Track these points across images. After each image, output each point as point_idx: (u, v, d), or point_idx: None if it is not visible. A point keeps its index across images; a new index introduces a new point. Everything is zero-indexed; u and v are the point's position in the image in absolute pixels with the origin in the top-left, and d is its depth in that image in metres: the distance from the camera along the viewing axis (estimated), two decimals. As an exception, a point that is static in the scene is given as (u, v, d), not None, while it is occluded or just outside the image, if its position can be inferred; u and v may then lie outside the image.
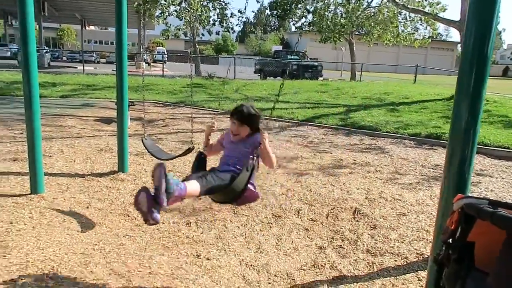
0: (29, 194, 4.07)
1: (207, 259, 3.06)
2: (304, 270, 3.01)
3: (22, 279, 2.57)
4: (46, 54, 29.10)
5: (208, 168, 2.69)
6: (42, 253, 2.94)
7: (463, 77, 2.12)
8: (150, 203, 2.01)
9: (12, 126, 7.51)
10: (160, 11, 21.05)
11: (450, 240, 1.40)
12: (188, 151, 3.98)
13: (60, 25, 54.75)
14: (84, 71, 22.46)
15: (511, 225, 1.06)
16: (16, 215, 3.56)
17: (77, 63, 33.21)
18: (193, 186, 2.23)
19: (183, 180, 2.26)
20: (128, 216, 3.82)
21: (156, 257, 3.00)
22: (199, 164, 2.72)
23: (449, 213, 1.46)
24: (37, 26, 26.90)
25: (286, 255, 3.22)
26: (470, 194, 2.14)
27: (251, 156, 2.49)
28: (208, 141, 2.83)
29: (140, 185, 4.58)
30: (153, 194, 2.04)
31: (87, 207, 3.92)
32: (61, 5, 27.79)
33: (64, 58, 41.99)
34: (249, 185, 2.47)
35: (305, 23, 26.80)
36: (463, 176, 2.09)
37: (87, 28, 42.70)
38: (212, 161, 2.85)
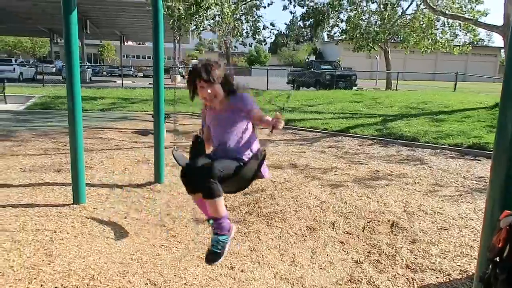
0: (72, 204, 4.24)
1: (241, 271, 3.05)
2: (340, 284, 2.93)
3: (65, 287, 2.66)
4: (88, 69, 30.53)
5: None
6: (83, 261, 3.04)
7: (509, 83, 2.02)
8: None
9: (56, 138, 7.89)
10: (194, 26, 21.63)
11: (497, 259, 1.33)
12: None
13: (101, 41, 57.40)
14: (122, 85, 23.35)
15: None
16: (60, 224, 3.72)
17: (116, 77, 34.60)
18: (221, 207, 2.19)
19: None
20: (164, 226, 3.89)
21: (191, 268, 3.02)
22: (198, 149, 2.41)
23: (496, 230, 1.39)
24: (80, 43, 28.34)
25: (321, 268, 3.16)
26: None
27: (247, 124, 2.28)
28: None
29: (176, 196, 4.69)
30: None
31: (125, 217, 4.03)
32: (102, 22, 29.18)
33: (104, 73, 43.85)
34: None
35: (337, 32, 26.65)
36: (510, 190, 1.98)
37: (125, 43, 44.52)
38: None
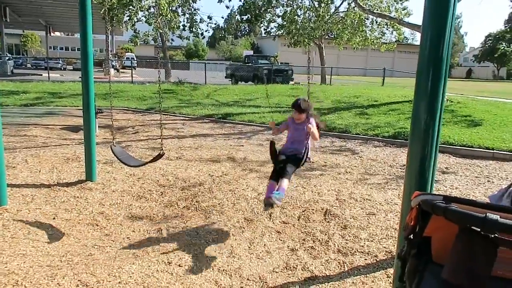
0: (-9, 207, 3.91)
1: (179, 265, 3.02)
2: (276, 272, 3.03)
3: (-17, 296, 2.46)
4: (9, 61, 28.08)
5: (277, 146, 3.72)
6: (6, 267, 2.83)
7: (421, 79, 2.21)
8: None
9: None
10: (128, 17, 20.72)
11: (411, 236, 1.45)
12: (159, 157, 3.94)
13: (24, 31, 52.92)
14: (49, 78, 21.78)
15: (462, 220, 1.11)
16: (-23, 229, 3.41)
17: (42, 70, 32.17)
18: (286, 185, 3.42)
19: (273, 179, 3.54)
20: (97, 225, 3.73)
21: (126, 266, 2.94)
22: (274, 150, 3.65)
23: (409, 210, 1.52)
24: (-1, 32, 25.92)
25: (259, 258, 3.23)
26: (433, 192, 2.23)
27: (308, 136, 3.58)
28: (275, 129, 3.95)
29: (109, 194, 4.51)
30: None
31: (54, 218, 3.81)
32: (24, 10, 26.87)
33: (29, 65, 40.58)
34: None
35: (274, 28, 27.06)
36: (424, 175, 2.17)
37: (52, 34, 41.46)
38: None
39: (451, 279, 1.14)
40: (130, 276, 2.81)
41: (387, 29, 24.75)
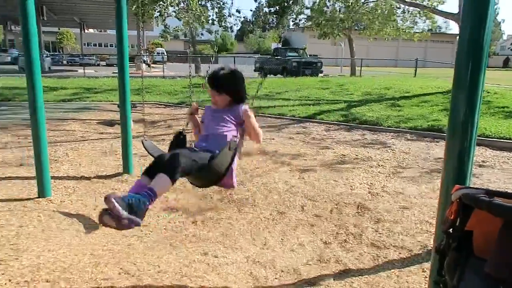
0: (37, 197, 4.14)
1: (214, 256, 3.11)
2: (309, 265, 3.06)
3: (34, 281, 2.63)
4: (47, 58, 29.22)
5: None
6: (53, 255, 3.00)
7: (460, 69, 2.16)
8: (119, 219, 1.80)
9: (15, 131, 7.58)
10: (158, 13, 21.09)
11: (450, 230, 1.45)
12: None
13: (59, 29, 54.88)
14: (84, 74, 22.54)
15: (506, 213, 1.11)
16: (25, 218, 3.63)
17: (77, 66, 33.30)
18: (161, 183, 1.99)
19: (154, 165, 2.12)
20: (135, 216, 3.88)
21: (164, 256, 3.05)
22: (179, 143, 2.52)
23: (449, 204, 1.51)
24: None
25: (292, 250, 3.27)
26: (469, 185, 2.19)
27: (235, 130, 2.39)
28: (195, 121, 2.68)
29: (146, 186, 4.65)
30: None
31: (94, 209, 3.98)
32: (60, 8, 27.87)
33: (64, 62, 42.10)
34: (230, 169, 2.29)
35: (303, 19, 26.81)
36: (462, 168, 2.13)
37: (86, 31, 42.80)
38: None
39: (494, 273, 1.13)
40: (169, 265, 2.93)
41: (419, 18, 23.99)
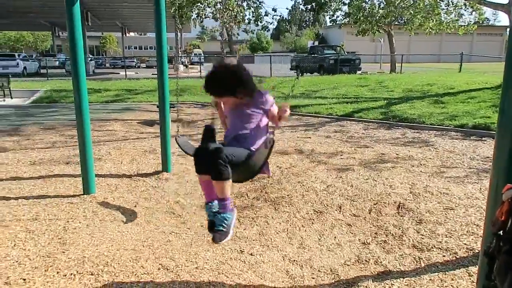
0: (82, 194, 4.33)
1: (251, 254, 3.12)
2: (348, 265, 2.99)
3: (80, 273, 2.74)
4: (91, 62, 30.57)
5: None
6: (97, 249, 3.12)
7: (511, 63, 2.03)
8: None
9: (63, 131, 7.98)
10: (196, 14, 21.47)
11: (501, 232, 1.36)
12: None
13: (102, 33, 57.25)
14: (126, 76, 23.38)
15: None
16: (72, 214, 3.81)
17: (119, 69, 34.62)
18: (225, 189, 2.18)
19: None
20: (173, 214, 3.96)
21: (201, 253, 3.09)
22: (210, 136, 2.28)
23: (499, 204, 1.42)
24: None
25: (329, 250, 3.22)
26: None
27: (263, 119, 2.32)
28: (221, 110, 2.56)
29: (184, 184, 4.75)
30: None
31: (135, 206, 4.11)
32: (103, 14, 29.06)
33: (107, 65, 43.87)
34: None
35: (340, 16, 26.33)
36: (513, 168, 2.00)
37: (127, 34, 44.36)
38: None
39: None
40: (206, 262, 2.96)
41: (465, 10, 22.83)
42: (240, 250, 3.18)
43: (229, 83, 2.23)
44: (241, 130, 2.35)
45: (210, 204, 2.31)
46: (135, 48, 67.28)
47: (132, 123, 9.22)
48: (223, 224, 2.20)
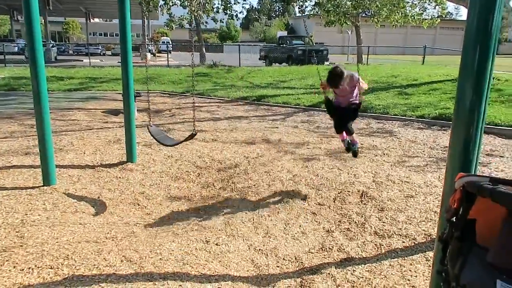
0: (42, 186, 4.16)
1: (216, 244, 3.11)
2: (312, 253, 3.05)
3: (38, 267, 2.65)
4: (53, 48, 29.26)
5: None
6: (57, 242, 3.02)
7: (467, 55, 2.10)
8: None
9: (22, 121, 7.62)
10: (163, 1, 20.94)
11: (454, 219, 1.42)
12: (191, 136, 4.02)
13: (65, 19, 54.81)
14: (90, 64, 22.56)
15: (510, 201, 1.07)
16: (30, 206, 3.66)
17: (83, 56, 33.33)
18: (356, 138, 4.44)
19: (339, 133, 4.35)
20: (138, 205, 3.89)
21: (166, 244, 3.06)
22: (331, 105, 4.20)
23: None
24: (43, 20, 26.98)
25: (294, 239, 3.26)
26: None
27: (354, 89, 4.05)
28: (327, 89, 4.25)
29: (149, 175, 4.67)
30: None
31: (98, 197, 4.00)
32: (65, -2, 27.80)
33: (71, 52, 42.15)
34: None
35: (309, 6, 26.43)
36: (468, 157, 2.09)
37: (91, 20, 42.72)
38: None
39: (497, 263, 1.10)
40: (171, 253, 2.93)
41: (429, 4, 23.51)
42: (206, 240, 3.16)
43: (338, 80, 3.89)
44: (344, 95, 4.08)
45: (345, 140, 4.39)
46: (100, 35, 64.93)
47: (97, 112, 8.94)
48: (356, 149, 4.42)
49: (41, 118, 4.11)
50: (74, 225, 3.35)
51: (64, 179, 4.43)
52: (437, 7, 23.47)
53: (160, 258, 2.85)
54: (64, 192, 4.07)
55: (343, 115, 4.10)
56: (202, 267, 2.78)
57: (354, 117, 4.18)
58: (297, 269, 2.82)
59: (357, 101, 4.12)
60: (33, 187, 4.13)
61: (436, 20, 23.84)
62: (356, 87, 4.06)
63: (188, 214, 3.70)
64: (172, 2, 21.64)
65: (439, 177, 4.60)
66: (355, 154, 4.47)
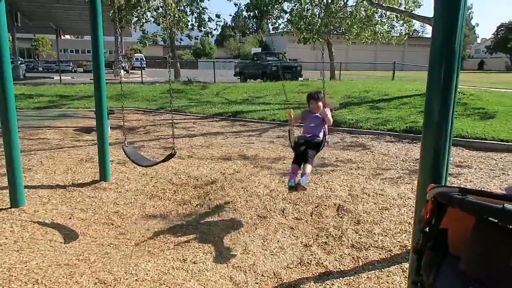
0: (9, 208, 3.99)
1: (194, 263, 3.05)
2: (290, 268, 3.04)
3: (5, 294, 2.52)
4: (21, 65, 28.53)
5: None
6: (25, 266, 2.89)
7: (433, 71, 2.19)
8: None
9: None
10: (136, 18, 20.87)
11: (427, 229, 1.45)
12: (170, 156, 3.98)
13: (35, 35, 53.64)
14: (61, 81, 22.07)
15: (479, 211, 1.11)
16: (-4, 230, 3.49)
17: (54, 73, 32.59)
18: (309, 170, 3.69)
19: (295, 163, 3.80)
20: (112, 224, 3.79)
21: (142, 264, 2.98)
22: (293, 136, 3.98)
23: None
24: (10, 37, 26.30)
25: (273, 254, 3.25)
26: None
27: (324, 123, 3.96)
28: (292, 119, 4.11)
29: (123, 194, 4.56)
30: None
31: (70, 218, 3.87)
32: (35, 14, 27.22)
33: (40, 69, 41.16)
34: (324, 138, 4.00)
35: (282, 24, 26.97)
36: (438, 168, 2.15)
37: (62, 37, 41.95)
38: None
39: (469, 271, 1.13)
40: (147, 274, 2.85)
41: (397, 22, 24.47)
42: (183, 259, 3.10)
43: (321, 97, 4.13)
44: (312, 124, 4.04)
45: (293, 179, 3.64)
46: (71, 51, 63.82)
47: (68, 130, 8.71)
48: (304, 180, 3.60)
49: (9, 136, 3.97)
50: (44, 248, 3.22)
51: (33, 200, 4.26)
52: (404, 24, 24.43)
53: (136, 279, 2.77)
54: (33, 213, 3.92)
55: (306, 146, 3.83)
56: (180, 286, 2.72)
57: (316, 151, 3.90)
58: (276, 285, 2.80)
59: (321, 139, 3.94)
60: (0, 209, 3.96)
61: (404, 37, 24.79)
62: (326, 125, 4.01)
63: (164, 232, 3.63)
64: (145, 19, 21.60)
65: (412, 189, 4.71)
66: (295, 189, 3.61)
